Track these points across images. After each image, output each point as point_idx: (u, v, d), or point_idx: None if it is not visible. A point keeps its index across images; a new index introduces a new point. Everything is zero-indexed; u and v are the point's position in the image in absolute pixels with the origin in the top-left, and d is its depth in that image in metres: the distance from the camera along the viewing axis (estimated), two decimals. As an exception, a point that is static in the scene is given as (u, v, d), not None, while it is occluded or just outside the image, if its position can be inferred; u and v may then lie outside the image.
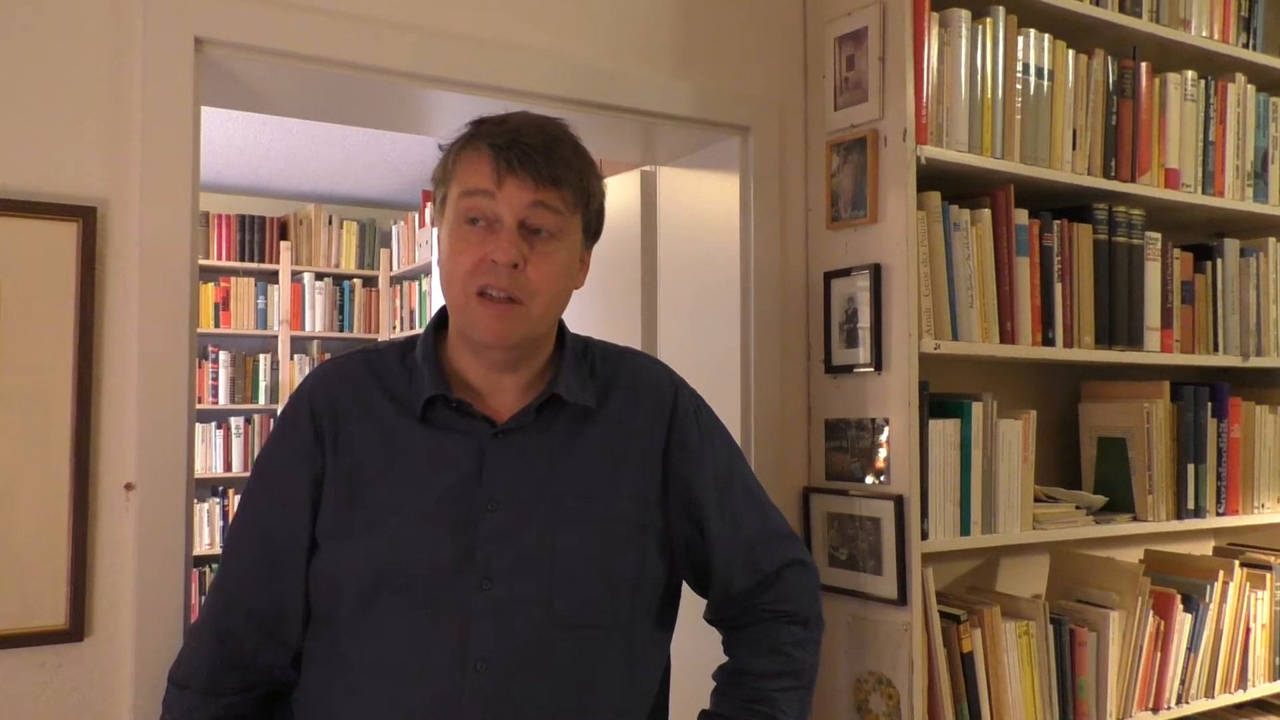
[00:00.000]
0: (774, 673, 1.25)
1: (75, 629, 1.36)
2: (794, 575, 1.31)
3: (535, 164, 1.09)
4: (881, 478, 1.78)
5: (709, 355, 2.01)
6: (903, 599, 1.73)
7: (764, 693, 1.24)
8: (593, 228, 1.21)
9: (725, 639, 1.33)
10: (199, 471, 4.71)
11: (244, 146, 4.38)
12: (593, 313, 2.32)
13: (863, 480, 1.82)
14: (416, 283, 5.03)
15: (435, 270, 4.27)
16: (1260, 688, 2.17)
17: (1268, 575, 2.19)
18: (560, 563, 1.13)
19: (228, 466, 4.83)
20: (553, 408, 1.18)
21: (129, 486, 1.40)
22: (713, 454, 1.28)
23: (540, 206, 1.11)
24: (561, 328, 1.25)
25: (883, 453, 1.78)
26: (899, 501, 1.73)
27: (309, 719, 1.17)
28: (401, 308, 5.19)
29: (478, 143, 1.12)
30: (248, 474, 4.90)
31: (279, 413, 1.26)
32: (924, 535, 1.74)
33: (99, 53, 1.42)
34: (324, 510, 1.15)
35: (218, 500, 4.81)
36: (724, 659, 1.33)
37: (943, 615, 1.78)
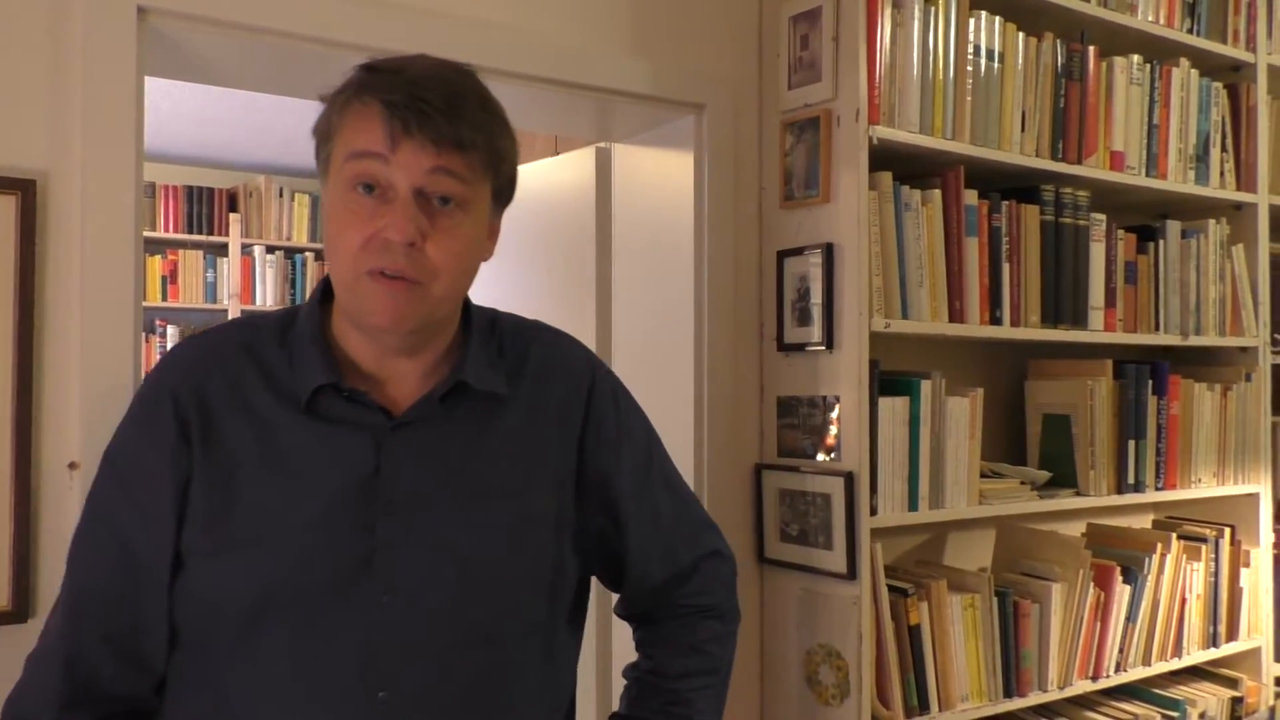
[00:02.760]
0: (692, 672, 1.18)
1: (19, 610, 1.34)
2: (712, 567, 1.23)
3: (436, 125, 0.94)
4: (832, 454, 1.81)
5: (663, 332, 2.02)
6: (852, 573, 1.76)
7: (682, 694, 1.17)
8: (505, 193, 1.06)
9: (638, 635, 1.24)
10: (147, 448, 4.65)
11: (192, 116, 4.28)
12: (546, 289, 2.32)
13: (814, 457, 1.84)
14: (370, 257, 4.97)
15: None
16: (1195, 655, 2.25)
17: (1203, 547, 2.26)
18: (471, 570, 1.02)
19: (177, 443, 4.76)
20: (457, 395, 1.05)
21: (73, 465, 1.38)
22: (630, 442, 1.17)
23: (442, 173, 0.95)
24: (465, 302, 1.10)
25: (833, 430, 1.81)
26: (849, 478, 1.76)
27: None
28: (354, 282, 5.13)
29: (367, 96, 0.96)
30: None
31: (136, 394, 1.07)
32: (873, 511, 1.77)
33: (39, 22, 1.38)
34: (192, 520, 0.99)
35: (167, 477, 4.74)
36: (629, 649, 1.25)
37: (891, 589, 1.81)
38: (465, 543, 1.02)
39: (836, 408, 1.80)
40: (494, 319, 1.14)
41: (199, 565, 0.99)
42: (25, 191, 1.35)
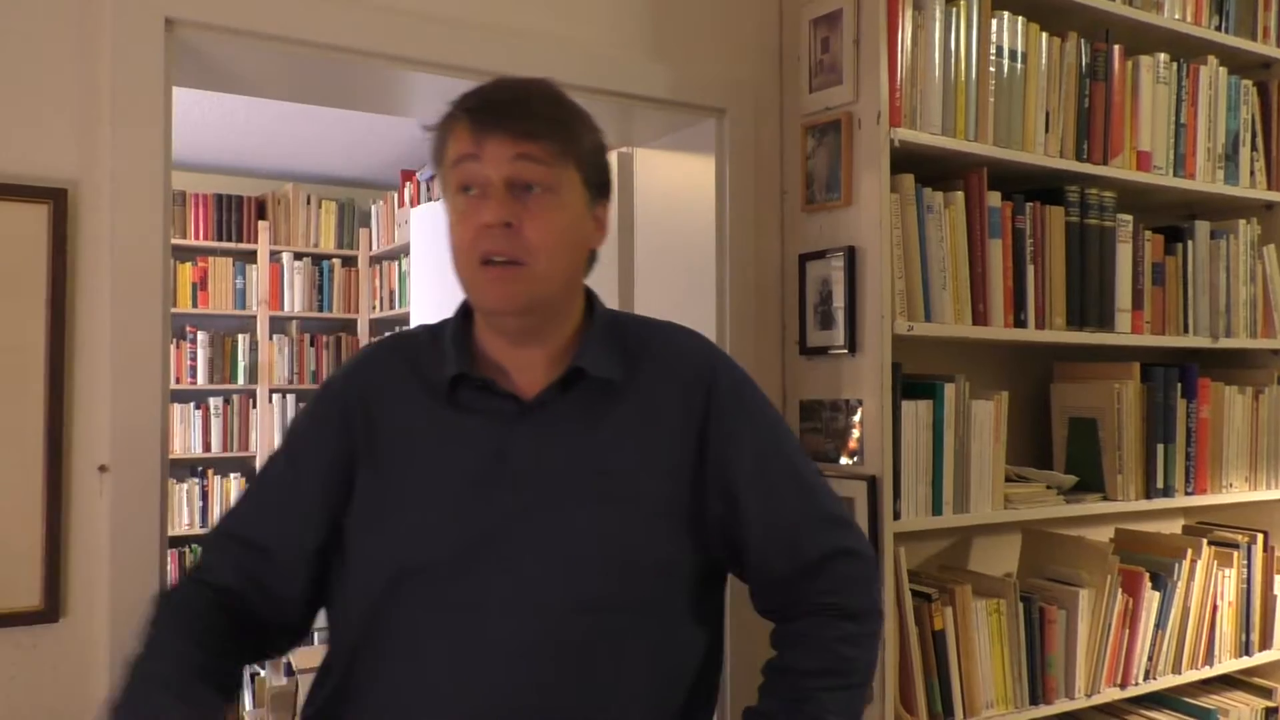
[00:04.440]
0: (819, 670, 1.18)
1: (50, 609, 1.37)
2: (843, 566, 1.22)
3: (510, 118, 1.09)
4: (855, 458, 1.80)
5: (685, 337, 2.02)
6: (875, 577, 1.75)
7: (808, 690, 1.17)
8: (595, 180, 1.17)
9: (773, 634, 1.25)
10: (177, 452, 4.70)
11: (221, 125, 4.33)
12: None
13: (837, 461, 1.84)
14: (396, 263, 5.00)
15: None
16: (1226, 664, 2.21)
17: (1235, 554, 2.23)
18: (583, 543, 1.11)
19: (206, 447, 4.81)
20: (581, 384, 1.16)
21: (103, 468, 1.41)
22: (753, 431, 1.22)
23: (524, 160, 1.09)
24: (591, 300, 1.23)
25: (856, 433, 1.80)
26: (872, 482, 1.75)
27: (351, 699, 1.16)
28: (381, 288, 5.17)
29: (455, 112, 1.13)
30: (227, 455, 4.86)
31: (314, 394, 1.27)
32: (896, 515, 1.77)
33: (69, 34, 1.41)
34: (355, 500, 1.15)
35: (196, 481, 4.79)
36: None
37: (915, 594, 1.80)
38: (579, 519, 1.12)
39: (859, 411, 1.79)
40: (621, 318, 1.26)
41: (359, 541, 1.14)
42: (56, 200, 1.38)
